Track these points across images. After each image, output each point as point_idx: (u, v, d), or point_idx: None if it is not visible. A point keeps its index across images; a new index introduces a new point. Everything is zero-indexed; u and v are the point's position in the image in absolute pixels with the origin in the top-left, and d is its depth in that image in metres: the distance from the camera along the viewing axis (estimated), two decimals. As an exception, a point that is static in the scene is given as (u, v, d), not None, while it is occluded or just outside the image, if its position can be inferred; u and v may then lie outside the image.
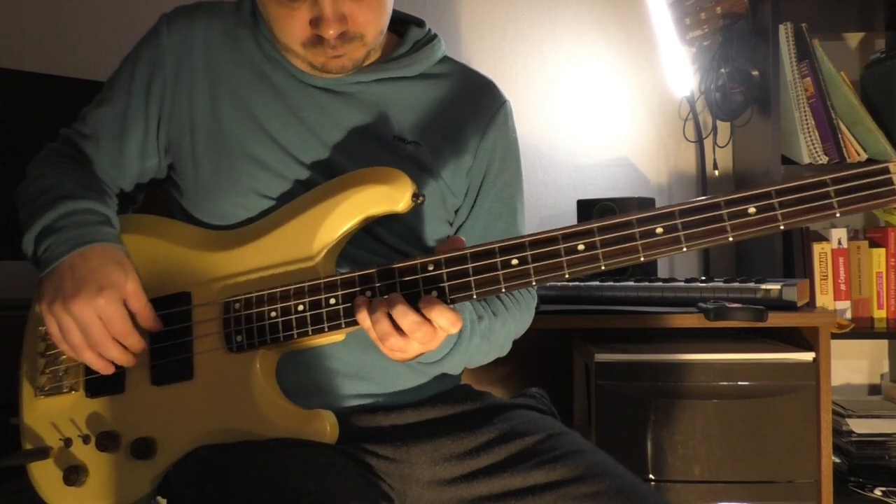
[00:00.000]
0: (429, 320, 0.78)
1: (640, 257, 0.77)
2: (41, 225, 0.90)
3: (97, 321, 0.85)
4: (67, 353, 0.89)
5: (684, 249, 0.76)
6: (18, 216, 0.95)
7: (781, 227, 0.75)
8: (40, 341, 0.95)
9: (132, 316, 0.88)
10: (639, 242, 0.77)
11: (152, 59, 0.99)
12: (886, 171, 0.72)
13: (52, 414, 0.93)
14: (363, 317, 0.79)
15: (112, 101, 1.00)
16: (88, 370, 0.92)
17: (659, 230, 0.76)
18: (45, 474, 0.92)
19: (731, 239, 0.75)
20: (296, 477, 0.76)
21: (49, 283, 0.87)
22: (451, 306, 0.79)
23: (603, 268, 0.78)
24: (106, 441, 0.88)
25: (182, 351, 0.89)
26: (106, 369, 0.88)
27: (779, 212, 0.74)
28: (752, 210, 0.74)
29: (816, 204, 0.73)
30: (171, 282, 0.91)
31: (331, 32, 0.88)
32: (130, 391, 0.91)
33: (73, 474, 0.89)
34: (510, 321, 1.00)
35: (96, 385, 0.92)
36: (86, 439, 0.91)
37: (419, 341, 0.79)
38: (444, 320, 0.77)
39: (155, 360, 0.90)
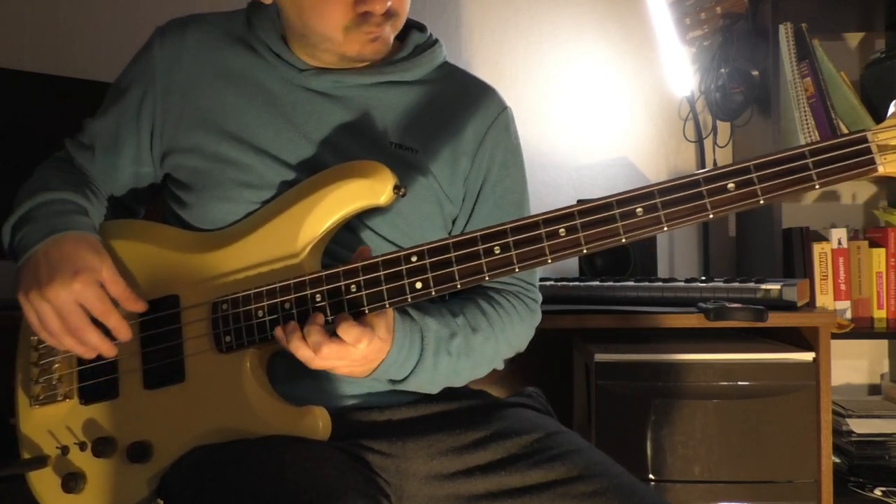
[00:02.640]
0: (338, 337, 0.79)
1: (621, 239, 0.76)
2: (17, 215, 0.92)
3: (75, 306, 0.85)
4: (48, 342, 0.89)
5: (665, 229, 0.75)
6: None
7: (762, 202, 0.74)
8: (33, 351, 0.95)
9: (115, 304, 0.89)
10: (620, 224, 0.76)
11: (144, 72, 0.99)
12: (864, 140, 0.71)
13: (48, 422, 0.93)
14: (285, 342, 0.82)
15: (106, 113, 1.01)
16: (82, 377, 0.92)
17: (639, 210, 0.76)
18: (43, 482, 0.92)
19: (711, 216, 0.75)
20: (293, 471, 0.76)
21: (25, 272, 0.88)
22: (363, 324, 0.80)
23: (585, 251, 0.77)
24: (102, 447, 0.88)
25: (173, 354, 0.89)
26: (87, 354, 0.88)
27: (758, 186, 0.74)
28: (731, 186, 0.74)
29: (795, 177, 0.73)
30: (159, 285, 0.91)
31: (388, 4, 0.89)
32: (124, 396, 0.91)
33: (72, 481, 0.89)
34: (495, 336, 0.97)
35: (90, 392, 0.92)
36: (82, 446, 0.91)
37: (330, 357, 0.80)
38: (349, 336, 0.79)
39: (146, 364, 0.90)
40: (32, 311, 0.87)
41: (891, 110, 0.72)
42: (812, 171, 0.72)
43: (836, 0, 1.82)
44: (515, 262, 0.79)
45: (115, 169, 1.01)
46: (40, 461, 0.92)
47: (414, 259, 0.82)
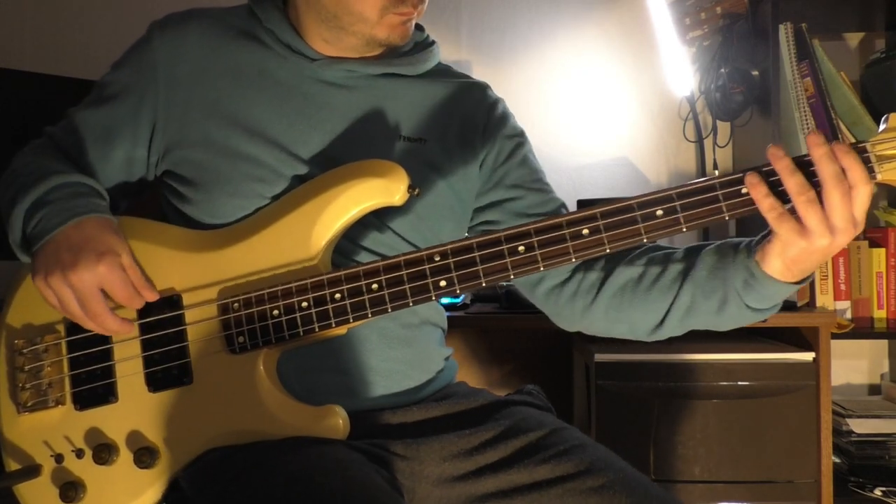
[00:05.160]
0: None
1: (642, 239, 0.80)
2: (33, 198, 0.88)
3: (96, 292, 0.84)
4: (73, 320, 0.87)
5: (684, 229, 0.79)
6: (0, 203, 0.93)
7: None
8: (18, 355, 0.91)
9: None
10: (641, 225, 0.80)
11: (144, 66, 0.97)
12: (864, 150, 0.76)
13: (38, 430, 0.89)
14: (763, 193, 0.76)
15: (101, 105, 0.98)
16: (75, 382, 0.89)
17: (659, 212, 0.79)
18: (37, 495, 0.88)
19: (727, 217, 0.79)
20: (323, 474, 0.75)
21: (43, 255, 0.85)
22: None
23: (608, 250, 0.81)
24: (103, 453, 0.85)
25: (178, 355, 0.87)
26: (108, 333, 0.87)
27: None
28: (744, 191, 0.77)
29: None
30: (159, 285, 0.89)
31: None
32: (125, 400, 0.88)
33: (71, 490, 0.86)
34: None
35: (85, 397, 0.89)
36: (79, 453, 0.87)
37: (839, 207, 0.73)
38: (857, 173, 0.73)
39: (149, 367, 0.88)
40: (53, 295, 0.85)
41: (882, 126, 0.77)
42: (816, 179, 0.75)
43: (836, 0, 1.82)
44: (540, 260, 0.82)
45: (106, 162, 0.98)
46: (33, 471, 0.88)
47: (437, 258, 0.83)
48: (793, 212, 0.76)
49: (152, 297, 0.88)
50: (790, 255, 0.78)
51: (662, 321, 0.92)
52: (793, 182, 0.74)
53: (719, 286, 0.86)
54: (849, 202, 0.74)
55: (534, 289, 1.01)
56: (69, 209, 0.87)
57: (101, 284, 0.84)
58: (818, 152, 0.74)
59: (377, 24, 0.94)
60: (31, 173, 0.92)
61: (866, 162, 0.75)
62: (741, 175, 0.77)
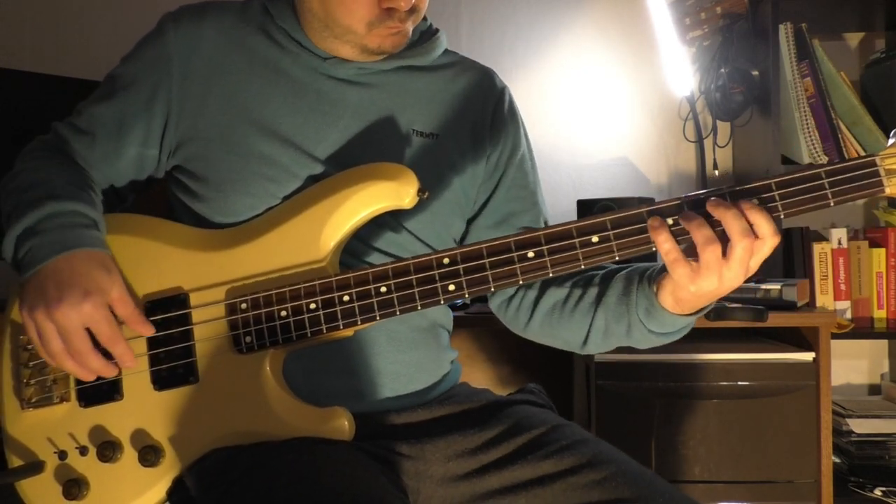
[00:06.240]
0: (751, 226, 0.76)
1: (652, 247, 0.80)
2: (23, 226, 0.86)
3: (80, 330, 0.82)
4: (48, 362, 0.85)
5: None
6: (1, 208, 0.91)
7: (782, 217, 0.78)
8: (23, 351, 0.90)
9: (122, 324, 0.86)
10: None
11: (158, 59, 0.96)
12: (873, 163, 0.77)
13: (42, 427, 0.88)
14: (662, 238, 0.78)
15: (112, 99, 0.97)
16: (80, 379, 0.88)
17: (669, 222, 0.79)
18: (40, 491, 0.87)
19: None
20: (327, 474, 0.75)
21: (31, 287, 0.83)
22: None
23: (617, 258, 0.82)
24: (107, 451, 0.85)
25: (184, 354, 0.87)
26: (87, 377, 0.85)
27: (779, 203, 0.78)
28: (754, 202, 0.77)
29: (813, 195, 0.78)
30: (166, 284, 0.89)
31: (413, 0, 0.91)
32: (130, 398, 0.88)
33: (74, 488, 0.85)
34: None
35: (90, 394, 0.88)
36: (83, 451, 0.87)
37: (739, 258, 0.76)
38: (766, 227, 0.76)
39: (156, 365, 0.87)
40: (34, 328, 0.83)
41: (891, 140, 0.77)
42: (828, 191, 0.77)
43: (836, 0, 1.82)
44: (549, 266, 0.83)
45: (117, 157, 0.97)
46: (36, 468, 0.87)
47: (446, 261, 0.84)
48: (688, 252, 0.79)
49: (148, 331, 0.87)
50: (679, 296, 0.83)
51: (586, 340, 0.97)
52: (700, 234, 0.76)
53: (625, 312, 0.90)
54: (750, 255, 0.76)
55: (489, 301, 1.06)
56: (59, 242, 0.84)
57: (86, 324, 0.82)
58: (733, 209, 0.76)
59: (366, 36, 0.93)
60: (31, 188, 0.89)
61: (874, 175, 0.76)
62: (751, 187, 0.78)
